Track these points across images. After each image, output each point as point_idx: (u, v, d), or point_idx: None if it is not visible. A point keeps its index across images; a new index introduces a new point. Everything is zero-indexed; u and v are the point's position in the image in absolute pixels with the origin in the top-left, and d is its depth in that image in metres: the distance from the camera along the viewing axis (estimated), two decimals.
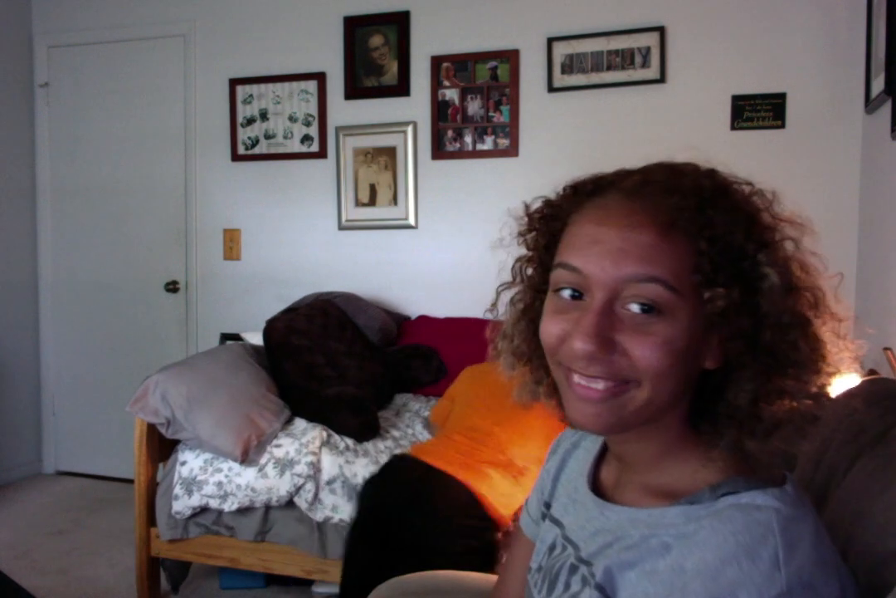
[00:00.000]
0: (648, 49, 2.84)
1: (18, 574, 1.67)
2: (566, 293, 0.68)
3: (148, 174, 3.59)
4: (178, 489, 2.28)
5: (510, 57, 3.02)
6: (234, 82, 3.41)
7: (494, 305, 0.82)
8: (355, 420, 2.32)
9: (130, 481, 2.49)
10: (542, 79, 3.00)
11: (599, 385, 0.65)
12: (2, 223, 3.58)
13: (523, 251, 0.79)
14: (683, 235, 0.64)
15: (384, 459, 2.17)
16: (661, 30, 2.82)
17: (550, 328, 0.69)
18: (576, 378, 0.67)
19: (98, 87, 3.64)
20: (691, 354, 0.65)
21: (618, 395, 0.65)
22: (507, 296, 0.82)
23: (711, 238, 0.64)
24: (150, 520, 2.36)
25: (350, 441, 2.28)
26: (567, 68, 2.94)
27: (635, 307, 0.64)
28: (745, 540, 0.59)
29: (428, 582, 1.29)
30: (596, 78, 2.91)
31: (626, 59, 2.86)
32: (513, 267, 0.81)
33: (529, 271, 0.79)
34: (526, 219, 0.78)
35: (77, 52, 3.66)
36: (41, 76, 3.71)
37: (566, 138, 2.99)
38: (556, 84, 2.97)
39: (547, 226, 0.76)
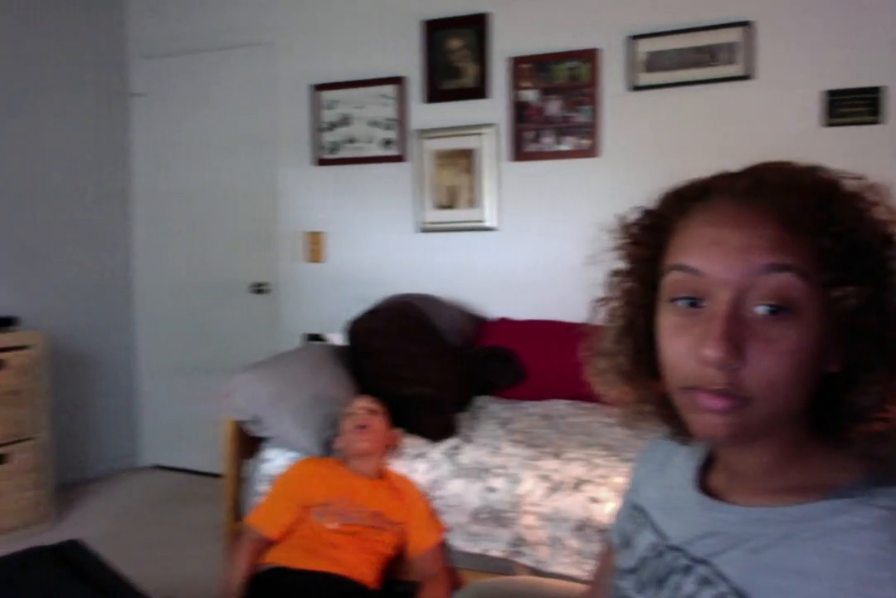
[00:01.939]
0: (734, 45, 2.76)
1: (113, 564, 1.76)
2: (683, 303, 0.66)
3: (235, 179, 3.71)
4: (262, 486, 2.35)
5: (590, 56, 2.99)
6: (317, 88, 3.48)
7: (589, 323, 0.79)
8: (433, 421, 2.34)
9: (220, 476, 2.57)
10: (623, 77, 2.96)
11: (725, 398, 0.63)
12: (100, 226, 3.76)
13: (619, 266, 0.76)
14: (806, 234, 0.62)
15: (464, 460, 2.18)
16: (747, 24, 2.74)
17: (675, 346, 0.66)
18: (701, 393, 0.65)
19: (187, 95, 3.78)
20: (816, 359, 0.63)
21: (741, 407, 0.63)
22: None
23: (836, 235, 0.61)
24: (238, 515, 2.44)
25: (422, 442, 2.31)
26: (649, 66, 2.89)
27: (763, 309, 0.62)
28: None
29: (507, 587, 1.29)
30: (679, 76, 2.85)
31: (710, 55, 2.79)
32: (608, 282, 0.78)
33: (628, 285, 0.76)
34: (623, 232, 0.76)
35: (168, 62, 3.81)
36: (136, 86, 3.89)
37: (649, 138, 2.94)
38: (638, 83, 2.92)
39: (649, 236, 0.73)
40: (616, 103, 2.99)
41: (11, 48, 3.30)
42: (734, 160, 0.73)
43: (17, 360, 2.86)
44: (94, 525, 3.05)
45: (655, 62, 2.88)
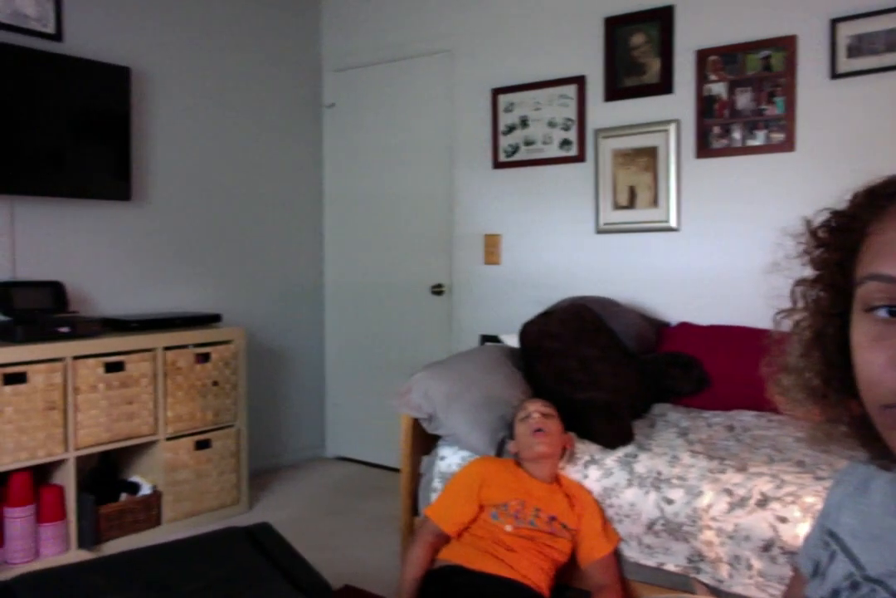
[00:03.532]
0: None
1: (297, 548, 1.87)
2: (882, 312, 0.59)
3: (416, 183, 3.83)
4: (436, 483, 2.40)
5: (785, 44, 2.79)
6: (495, 92, 3.51)
7: (772, 335, 0.73)
8: (607, 427, 2.28)
9: (398, 471, 2.66)
10: (823, 65, 2.74)
11: None
12: (296, 230, 4.03)
13: (805, 273, 0.70)
14: None
15: (640, 469, 2.11)
16: None
17: (873, 359, 0.59)
18: None
19: (373, 105, 3.96)
20: None
21: None
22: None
23: None
24: (414, 509, 2.51)
25: (595, 448, 2.25)
26: (852, 51, 2.65)
27: None
28: None
29: None
30: (889, 59, 2.59)
31: None
32: (793, 291, 0.71)
33: (816, 294, 0.70)
34: (809, 236, 0.70)
35: (355, 74, 4.02)
36: (327, 97, 4.13)
37: (853, 129, 2.70)
38: (841, 69, 2.69)
39: (839, 240, 0.67)
40: (814, 93, 2.77)
41: (223, 68, 3.62)
42: None
43: (220, 353, 3.12)
44: (281, 510, 3.27)
45: (860, 46, 2.64)
